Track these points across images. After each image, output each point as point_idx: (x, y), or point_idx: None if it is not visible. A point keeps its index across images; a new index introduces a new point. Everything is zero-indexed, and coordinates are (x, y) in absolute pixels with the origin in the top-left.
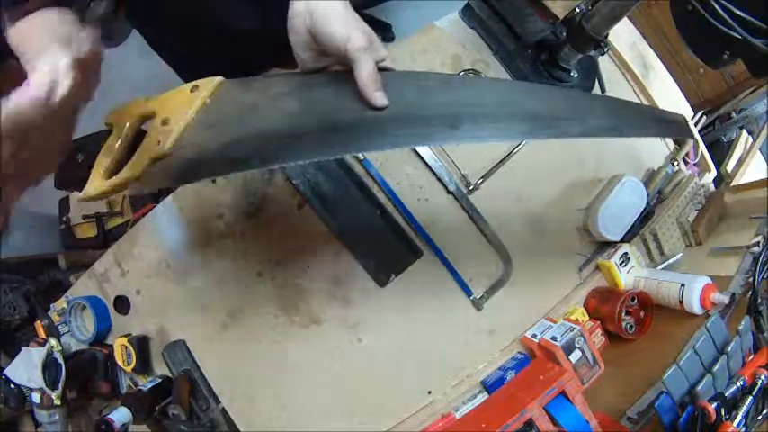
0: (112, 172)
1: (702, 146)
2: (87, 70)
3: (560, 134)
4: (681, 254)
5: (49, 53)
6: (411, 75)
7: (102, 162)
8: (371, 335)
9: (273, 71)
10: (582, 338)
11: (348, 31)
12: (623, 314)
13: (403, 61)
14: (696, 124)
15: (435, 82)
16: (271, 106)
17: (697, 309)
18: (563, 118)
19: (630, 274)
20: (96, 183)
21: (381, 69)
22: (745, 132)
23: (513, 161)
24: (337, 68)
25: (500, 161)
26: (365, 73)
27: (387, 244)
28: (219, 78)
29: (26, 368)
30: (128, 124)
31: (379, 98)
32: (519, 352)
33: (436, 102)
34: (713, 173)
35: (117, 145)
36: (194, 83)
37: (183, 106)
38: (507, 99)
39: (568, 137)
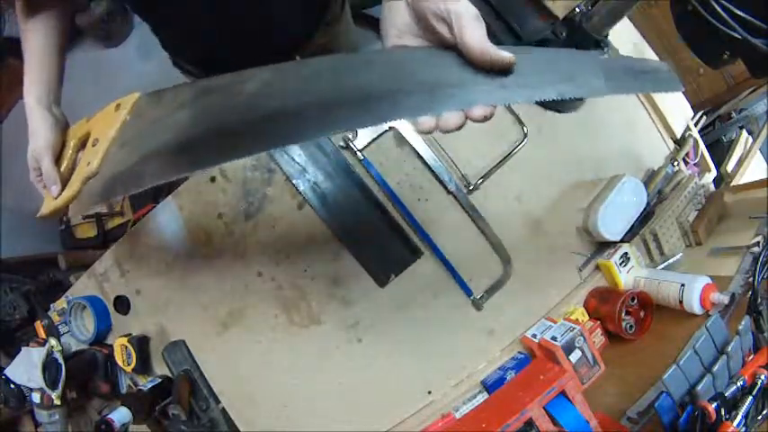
0: (60, 192)
1: (702, 146)
2: None
3: (560, 94)
4: (681, 254)
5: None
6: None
7: None
8: (371, 335)
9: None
10: (582, 338)
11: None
12: (623, 314)
13: None
14: (696, 124)
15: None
16: (168, 119)
17: (697, 309)
18: (569, 78)
19: (630, 274)
20: (47, 202)
21: None
22: (745, 132)
23: (513, 161)
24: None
25: (500, 161)
26: (478, 36)
27: (387, 244)
28: (137, 94)
29: (26, 368)
30: (72, 145)
31: (506, 55)
32: (519, 352)
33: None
34: (713, 173)
35: (62, 167)
36: (117, 101)
37: (108, 126)
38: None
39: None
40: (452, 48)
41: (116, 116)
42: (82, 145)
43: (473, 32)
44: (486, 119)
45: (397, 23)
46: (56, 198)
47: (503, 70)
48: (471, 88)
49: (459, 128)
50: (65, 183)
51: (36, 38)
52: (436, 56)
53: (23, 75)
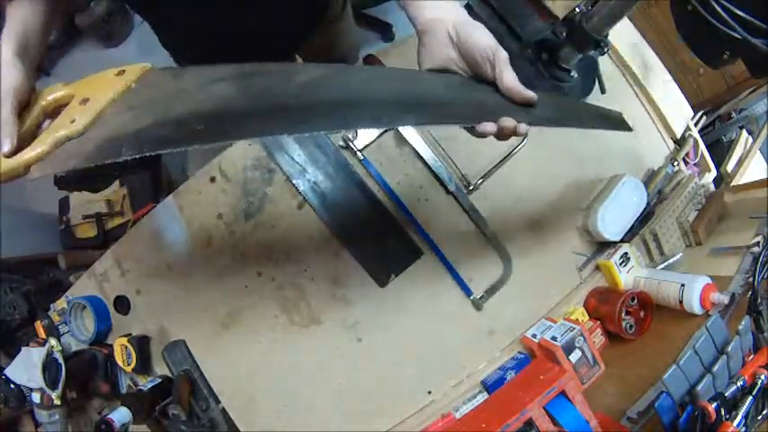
0: (13, 153)
1: (702, 146)
2: None
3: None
4: (681, 254)
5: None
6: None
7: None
8: (371, 335)
9: None
10: (582, 338)
11: (493, 41)
12: (623, 314)
13: (403, 61)
14: (696, 124)
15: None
16: (201, 91)
17: (697, 309)
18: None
19: (630, 274)
20: None
21: None
22: (745, 132)
23: (513, 161)
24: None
25: (500, 161)
26: (513, 78)
27: (387, 244)
28: (147, 65)
29: (26, 368)
30: (41, 104)
31: (532, 94)
32: (519, 352)
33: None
34: (713, 173)
35: (25, 125)
36: (122, 67)
37: (106, 88)
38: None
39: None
40: (489, 82)
41: (117, 80)
42: (53, 110)
43: (509, 74)
44: (512, 133)
45: (442, 55)
46: (7, 156)
47: (528, 104)
48: (506, 110)
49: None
50: (22, 142)
51: (22, 8)
52: (478, 85)
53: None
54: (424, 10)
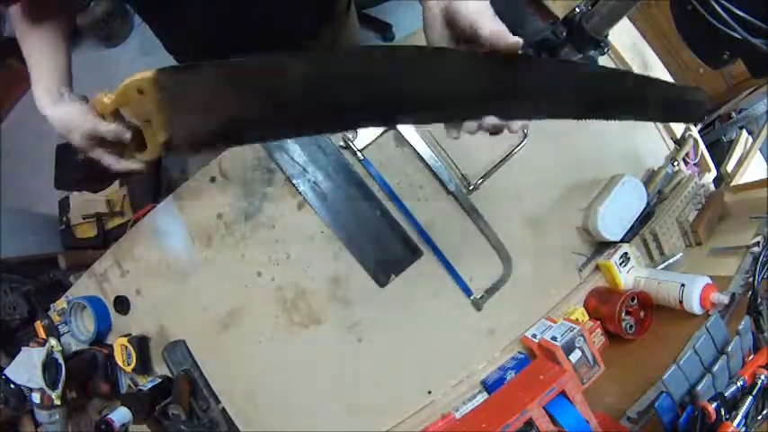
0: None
1: (702, 146)
2: None
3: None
4: (681, 254)
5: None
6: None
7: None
8: (371, 335)
9: None
10: (582, 338)
11: (481, 8)
12: (623, 314)
13: None
14: (696, 124)
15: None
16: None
17: (697, 309)
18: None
19: (630, 274)
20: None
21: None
22: (745, 132)
23: (513, 161)
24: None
25: (500, 161)
26: (492, 22)
27: (387, 244)
28: (149, 73)
29: (26, 368)
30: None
31: (516, 40)
32: (519, 352)
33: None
34: (713, 173)
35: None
36: (136, 85)
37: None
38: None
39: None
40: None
41: (143, 97)
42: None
43: (487, 20)
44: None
45: (436, 36)
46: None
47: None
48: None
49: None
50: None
51: (39, 39)
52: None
53: (28, 75)
54: None
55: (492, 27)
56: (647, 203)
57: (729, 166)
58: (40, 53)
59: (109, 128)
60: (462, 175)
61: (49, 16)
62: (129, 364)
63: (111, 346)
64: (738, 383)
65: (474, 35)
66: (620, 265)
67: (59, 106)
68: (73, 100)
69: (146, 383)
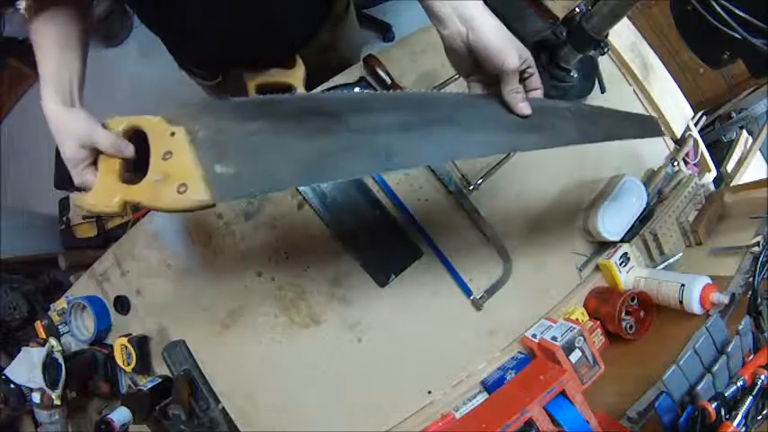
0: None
1: (702, 146)
2: None
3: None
4: (681, 254)
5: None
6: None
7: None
8: (371, 335)
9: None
10: (582, 338)
11: (504, 45)
12: (623, 314)
13: (403, 61)
14: (696, 124)
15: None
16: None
17: (697, 309)
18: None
19: (630, 274)
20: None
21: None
22: (745, 132)
23: (513, 161)
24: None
25: (500, 161)
26: (512, 88)
27: (387, 244)
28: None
29: (26, 368)
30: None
31: (525, 108)
32: (519, 352)
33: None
34: (713, 173)
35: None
36: (169, 128)
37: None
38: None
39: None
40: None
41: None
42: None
43: (510, 84)
44: None
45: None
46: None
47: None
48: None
49: None
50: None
51: (50, 31)
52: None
53: (28, 75)
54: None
55: (515, 63)
56: (647, 203)
57: (729, 166)
58: (51, 51)
59: (109, 137)
60: (462, 175)
61: (63, 9)
62: (129, 364)
63: (111, 346)
64: (738, 383)
65: (499, 70)
66: (620, 265)
67: (66, 110)
68: (82, 108)
69: (146, 383)
